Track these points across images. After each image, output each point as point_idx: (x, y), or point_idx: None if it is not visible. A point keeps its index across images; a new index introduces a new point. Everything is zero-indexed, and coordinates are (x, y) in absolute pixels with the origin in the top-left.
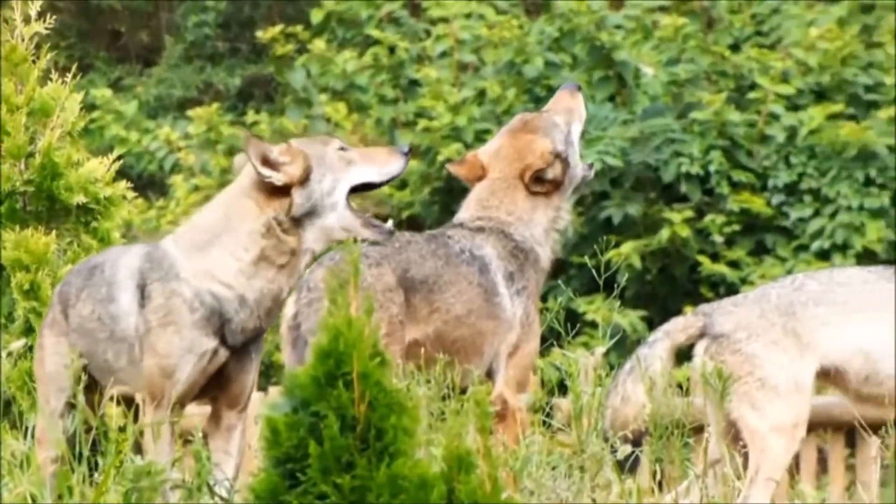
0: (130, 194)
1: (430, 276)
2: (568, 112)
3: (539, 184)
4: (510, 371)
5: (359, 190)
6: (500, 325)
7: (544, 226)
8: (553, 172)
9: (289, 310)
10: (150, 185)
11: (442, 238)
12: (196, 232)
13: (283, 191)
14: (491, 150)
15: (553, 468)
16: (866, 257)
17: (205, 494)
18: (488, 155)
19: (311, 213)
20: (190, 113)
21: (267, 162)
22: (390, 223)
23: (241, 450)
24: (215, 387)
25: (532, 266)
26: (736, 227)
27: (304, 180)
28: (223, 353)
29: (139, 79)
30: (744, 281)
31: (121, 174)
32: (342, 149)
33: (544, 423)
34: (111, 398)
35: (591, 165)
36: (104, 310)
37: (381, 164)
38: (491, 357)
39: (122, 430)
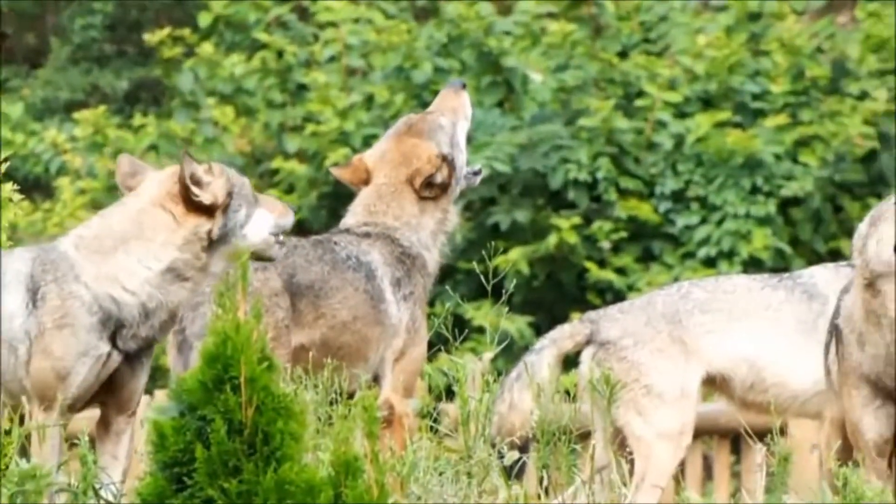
0: (17, 196)
1: (317, 282)
2: (453, 112)
3: (429, 188)
4: (397, 376)
5: None
6: (385, 331)
7: (432, 229)
8: (441, 176)
9: None
10: (35, 187)
11: (328, 244)
12: (101, 236)
13: (201, 209)
14: (376, 154)
15: (440, 473)
16: (752, 265)
17: (90, 498)
18: (373, 159)
19: (223, 239)
20: (76, 115)
21: (195, 180)
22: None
23: (129, 454)
24: (106, 391)
25: (419, 271)
26: (623, 234)
27: (227, 205)
28: (116, 358)
29: (25, 81)
30: (630, 288)
31: (6, 176)
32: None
33: (431, 428)
34: None
35: (476, 172)
36: None
37: (279, 215)
38: (377, 362)
39: (7, 433)
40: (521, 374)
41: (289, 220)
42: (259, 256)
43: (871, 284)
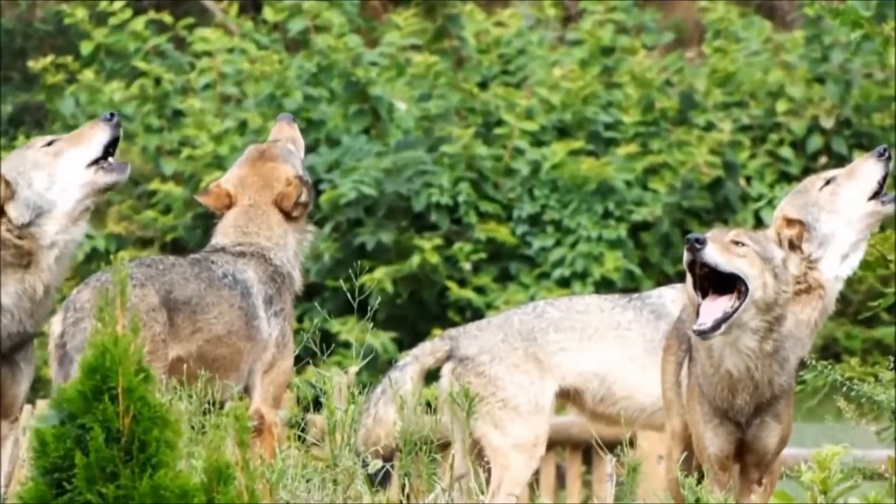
0: None
1: (194, 298)
2: (293, 141)
3: (297, 208)
4: (266, 388)
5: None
6: (256, 346)
7: (294, 249)
8: (305, 196)
9: (55, 328)
10: None
11: (206, 262)
12: None
13: None
14: (233, 180)
15: (307, 480)
16: (604, 285)
17: None
18: (232, 184)
19: (40, 213)
20: None
21: None
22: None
23: (12, 459)
24: None
25: (288, 289)
26: (482, 255)
27: (10, 195)
28: None
29: None
30: (489, 306)
31: None
32: (49, 143)
33: (299, 437)
34: None
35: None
36: None
37: (89, 140)
38: (247, 374)
39: None
40: (386, 390)
41: (102, 134)
42: (103, 191)
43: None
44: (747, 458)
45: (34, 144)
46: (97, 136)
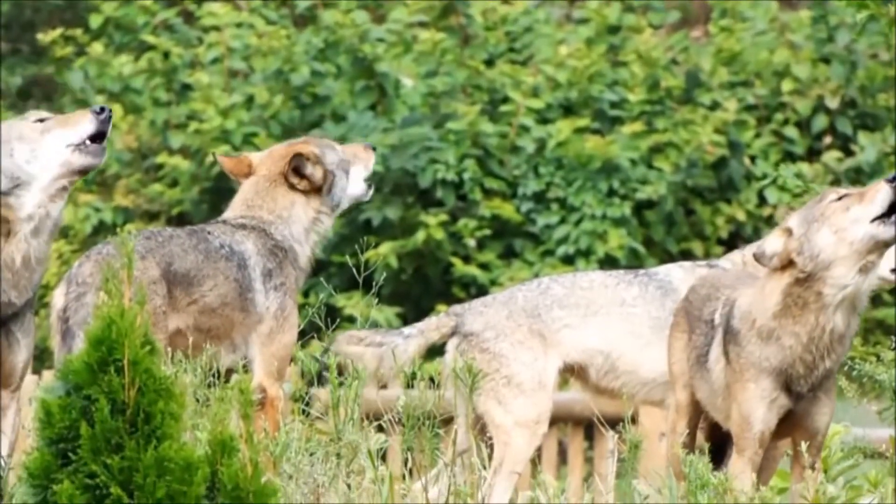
0: None
1: (191, 270)
2: (354, 154)
3: (296, 175)
4: (269, 361)
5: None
6: (250, 317)
7: (304, 225)
8: (311, 170)
9: (57, 301)
10: None
11: (202, 233)
12: None
13: None
14: (263, 153)
15: (311, 454)
16: (608, 263)
17: None
18: (260, 157)
19: (18, 184)
20: None
21: None
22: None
23: (15, 428)
24: None
25: (291, 263)
26: (487, 232)
27: None
28: None
29: None
30: (493, 282)
31: None
32: (40, 120)
33: (303, 411)
34: None
35: (370, 186)
36: None
37: (73, 126)
38: (243, 345)
39: None
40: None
41: (87, 125)
42: (78, 172)
43: (810, 276)
44: (797, 436)
45: (28, 117)
46: (84, 126)
